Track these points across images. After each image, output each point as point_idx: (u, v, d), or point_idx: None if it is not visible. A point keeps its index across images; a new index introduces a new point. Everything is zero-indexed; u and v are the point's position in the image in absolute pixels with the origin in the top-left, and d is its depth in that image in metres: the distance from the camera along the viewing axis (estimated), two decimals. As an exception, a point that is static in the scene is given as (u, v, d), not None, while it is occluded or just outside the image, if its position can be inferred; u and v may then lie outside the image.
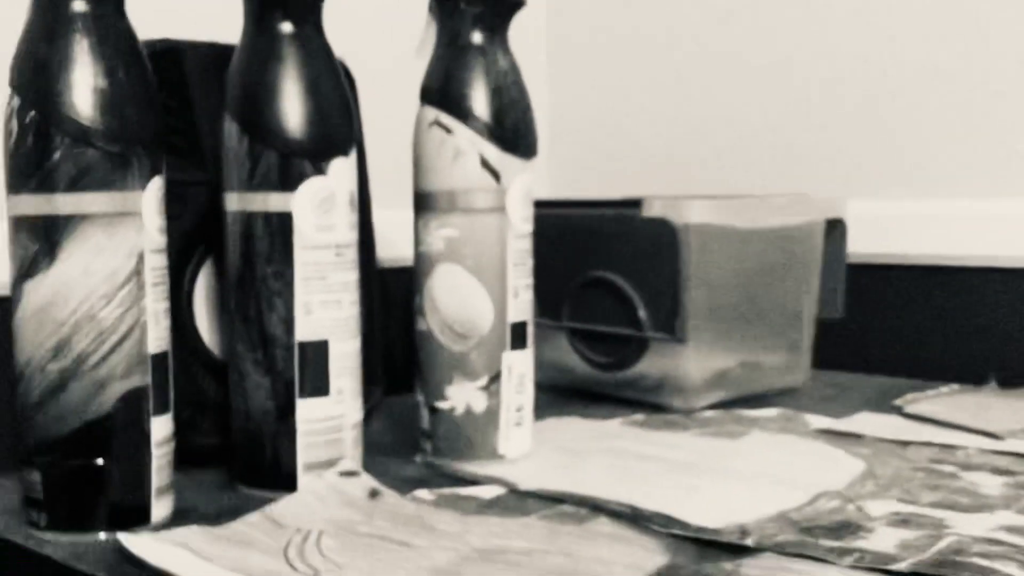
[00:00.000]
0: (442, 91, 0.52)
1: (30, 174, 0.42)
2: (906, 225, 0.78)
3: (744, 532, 0.42)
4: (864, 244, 0.79)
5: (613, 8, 0.93)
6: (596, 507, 0.46)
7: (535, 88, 0.97)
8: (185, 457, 0.53)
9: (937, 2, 0.77)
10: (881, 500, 0.46)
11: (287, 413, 0.48)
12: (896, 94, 0.79)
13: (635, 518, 0.44)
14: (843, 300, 0.73)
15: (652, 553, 0.40)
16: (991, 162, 0.75)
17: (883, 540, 0.41)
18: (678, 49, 0.89)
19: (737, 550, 0.40)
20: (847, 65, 0.81)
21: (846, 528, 0.42)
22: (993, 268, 0.75)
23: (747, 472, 0.51)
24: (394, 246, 0.81)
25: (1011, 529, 0.42)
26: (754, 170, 0.86)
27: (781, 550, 0.40)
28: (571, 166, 0.97)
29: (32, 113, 0.41)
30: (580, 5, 0.95)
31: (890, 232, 0.78)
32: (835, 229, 0.72)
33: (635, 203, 0.65)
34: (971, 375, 0.76)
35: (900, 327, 0.79)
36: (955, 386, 0.71)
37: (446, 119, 0.52)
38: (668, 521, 0.43)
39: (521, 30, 0.95)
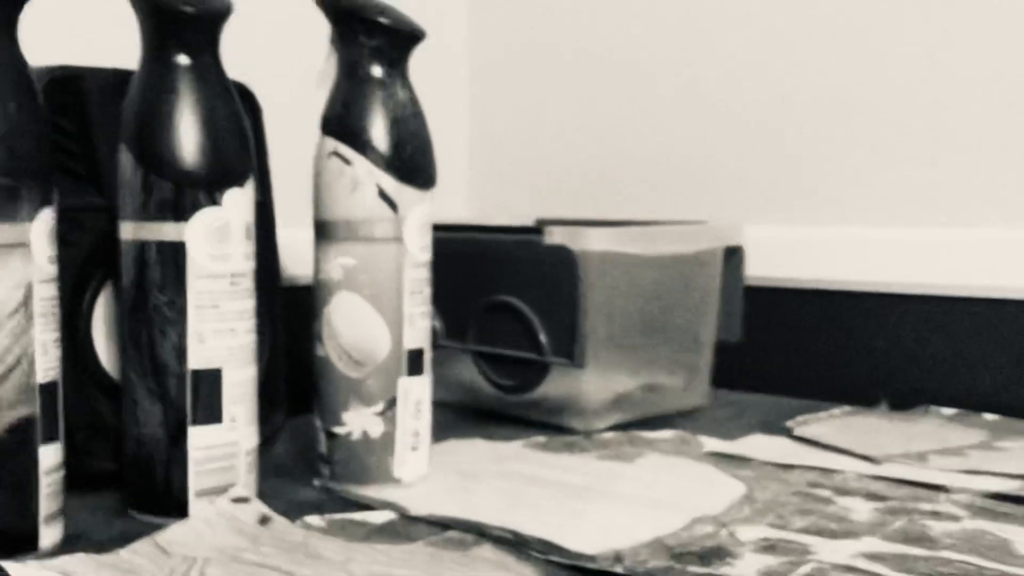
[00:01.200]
0: (341, 122, 0.53)
1: (-83, 204, 0.42)
2: (802, 250, 0.81)
3: (618, 558, 0.43)
4: (762, 268, 0.82)
5: (533, 35, 0.95)
6: (481, 533, 0.47)
7: (455, 112, 0.98)
8: (80, 481, 0.53)
9: (832, 34, 0.79)
10: (754, 525, 0.48)
11: (179, 440, 0.49)
12: (795, 125, 0.82)
13: (517, 544, 0.45)
14: (742, 324, 0.76)
15: (527, 580, 0.41)
16: (883, 191, 0.78)
17: (747, 567, 0.43)
18: (594, 77, 0.92)
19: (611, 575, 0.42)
20: (751, 96, 0.83)
21: (715, 554, 0.44)
22: (886, 293, 0.78)
23: (633, 496, 0.53)
24: (305, 263, 0.81)
25: (871, 556, 0.44)
26: (662, 194, 0.88)
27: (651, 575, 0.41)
28: (491, 188, 0.98)
29: (-81, 144, 0.41)
30: (500, 31, 0.97)
31: (787, 257, 0.81)
32: (733, 256, 0.74)
33: (537, 230, 0.66)
34: (864, 397, 0.79)
35: (797, 349, 0.82)
36: (847, 408, 0.74)
37: (345, 150, 0.53)
38: (547, 547, 0.45)
39: (442, 55, 0.96)
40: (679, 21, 0.87)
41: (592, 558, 0.43)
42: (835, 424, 0.69)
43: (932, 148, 0.76)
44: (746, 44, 0.83)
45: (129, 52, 0.57)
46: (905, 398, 0.77)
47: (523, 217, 0.91)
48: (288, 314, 0.70)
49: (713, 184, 0.85)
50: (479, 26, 0.98)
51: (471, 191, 0.99)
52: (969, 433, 0.66)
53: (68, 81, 0.54)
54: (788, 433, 0.67)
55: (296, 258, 0.80)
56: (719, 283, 0.74)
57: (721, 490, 0.54)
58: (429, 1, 0.94)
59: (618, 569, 0.42)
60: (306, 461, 0.61)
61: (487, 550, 0.45)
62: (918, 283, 0.77)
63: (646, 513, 0.50)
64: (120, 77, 0.55)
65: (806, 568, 0.42)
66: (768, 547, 0.45)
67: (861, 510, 0.51)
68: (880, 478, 0.56)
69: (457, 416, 0.72)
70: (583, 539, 0.46)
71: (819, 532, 0.47)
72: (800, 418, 0.70)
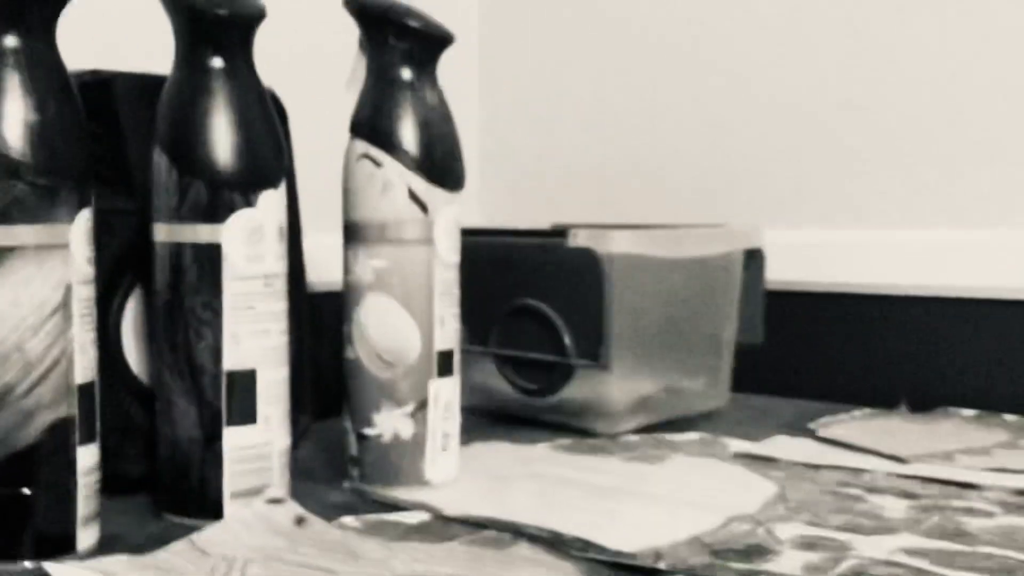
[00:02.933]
0: (371, 125, 0.54)
1: (-43, 206, 0.42)
2: (823, 253, 0.81)
3: (658, 556, 0.43)
4: (783, 272, 0.82)
5: (544, 40, 0.95)
6: (517, 532, 0.47)
7: (466, 118, 0.98)
8: (112, 484, 0.53)
9: (850, 37, 0.80)
10: (790, 523, 0.48)
11: (214, 441, 0.49)
12: (811, 129, 0.82)
13: (555, 543, 0.45)
14: (762, 326, 0.76)
15: (570, 577, 0.41)
16: (903, 193, 0.79)
17: (789, 562, 0.43)
18: (606, 82, 0.92)
19: (651, 573, 0.42)
20: (767, 100, 0.84)
21: (755, 551, 0.44)
22: (904, 296, 0.78)
23: (665, 496, 0.53)
24: (327, 270, 0.81)
25: (910, 551, 0.44)
26: (678, 198, 0.88)
27: (692, 573, 0.41)
28: (502, 194, 0.98)
29: (-40, 146, 0.42)
30: (512, 38, 0.97)
31: (808, 260, 0.81)
32: (753, 258, 0.75)
33: (561, 233, 0.66)
34: (883, 399, 0.79)
35: (817, 352, 0.82)
36: (867, 410, 0.74)
37: (375, 152, 0.53)
38: (586, 545, 0.45)
39: (453, 61, 0.96)
40: (692, 23, 0.87)
41: (632, 555, 0.43)
42: (858, 426, 0.69)
43: (950, 150, 0.77)
44: (763, 47, 0.84)
45: (160, 57, 0.57)
46: (924, 400, 0.77)
47: (536, 223, 0.91)
48: (311, 319, 0.70)
49: (729, 188, 0.86)
50: (490, 29, 0.98)
51: (482, 197, 1.00)
52: (991, 433, 0.66)
53: (99, 85, 0.54)
54: (812, 435, 0.67)
55: (317, 265, 0.80)
56: (739, 286, 0.74)
57: (753, 490, 0.54)
58: (440, 6, 0.95)
59: (660, 565, 0.42)
60: (332, 464, 0.61)
61: (525, 548, 0.45)
62: (936, 285, 0.77)
63: (681, 512, 0.50)
64: (150, 81, 0.55)
65: (849, 563, 0.42)
66: (808, 544, 0.45)
67: (895, 508, 0.51)
68: (909, 477, 0.57)
69: (480, 421, 0.72)
70: (620, 538, 0.46)
71: (856, 529, 0.47)
72: (822, 420, 0.70)
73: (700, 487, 0.55)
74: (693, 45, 0.87)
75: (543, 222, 0.94)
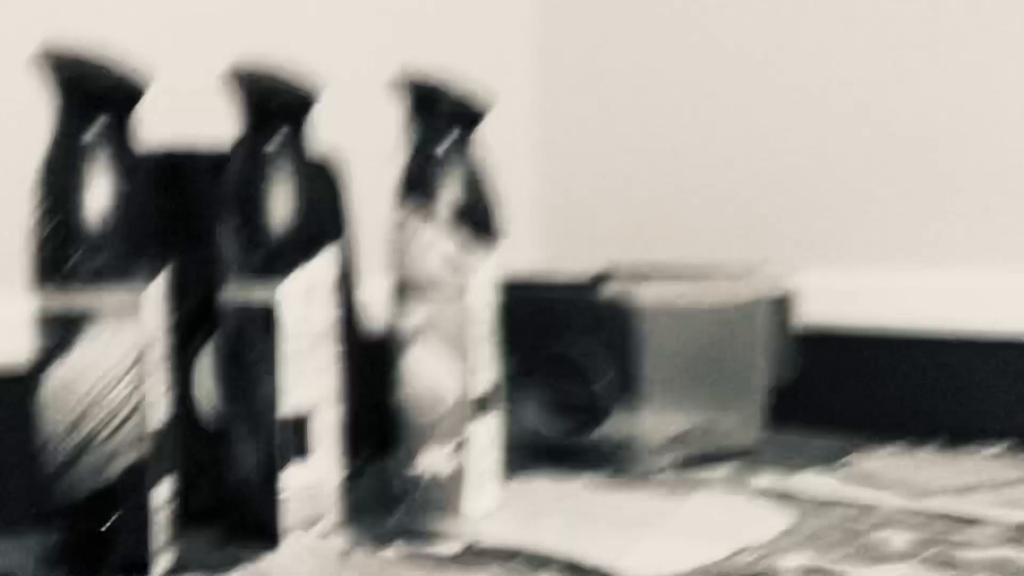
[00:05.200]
0: (414, 188, 0.60)
1: (52, 273, 0.49)
2: (856, 294, 0.84)
3: (665, 584, 0.48)
4: (820, 311, 0.85)
5: (603, 84, 1.01)
6: (545, 562, 0.52)
7: (526, 164, 1.04)
8: (184, 518, 0.59)
9: (888, 70, 0.84)
10: (794, 554, 0.52)
11: (272, 479, 0.55)
12: (849, 169, 0.86)
13: (578, 571, 0.50)
14: (795, 365, 0.80)
15: (581, 603, 0.46)
16: (942, 232, 0.82)
17: (785, 591, 0.47)
18: (664, 126, 0.96)
19: (657, 600, 0.46)
20: (808, 142, 0.88)
21: (755, 580, 0.48)
22: (940, 338, 0.81)
23: (683, 529, 0.57)
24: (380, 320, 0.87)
25: (902, 581, 0.48)
26: (728, 236, 0.92)
27: (693, 600, 0.46)
28: (561, 230, 1.03)
29: (55, 220, 0.48)
30: (572, 81, 1.03)
31: (841, 301, 0.85)
32: (783, 304, 0.78)
33: (592, 286, 0.71)
34: (918, 436, 0.82)
35: (852, 389, 0.85)
36: (900, 446, 0.77)
37: (417, 215, 0.59)
38: (602, 574, 0.49)
39: (510, 100, 1.02)
40: (741, 62, 0.91)
41: (641, 583, 0.48)
42: (885, 462, 0.72)
43: (985, 191, 0.80)
44: (810, 86, 0.88)
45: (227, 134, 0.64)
46: (957, 437, 0.80)
47: (594, 260, 0.95)
48: (364, 364, 0.76)
49: (774, 226, 0.89)
50: (547, 70, 1.03)
51: (541, 234, 1.04)
52: (1016, 469, 0.69)
53: (171, 163, 0.61)
54: (840, 471, 0.70)
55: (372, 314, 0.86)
56: (766, 329, 0.78)
57: (766, 524, 0.58)
58: (494, 49, 1.00)
59: (664, 592, 0.46)
60: (382, 501, 0.66)
61: (547, 577, 0.50)
62: (967, 327, 0.80)
63: (693, 544, 0.54)
64: (218, 158, 0.62)
65: (837, 592, 0.46)
66: (807, 572, 0.49)
67: (898, 541, 0.54)
68: (919, 513, 0.60)
69: (522, 457, 0.77)
70: (635, 567, 0.50)
71: (856, 560, 0.51)
72: (852, 456, 0.73)
73: (717, 521, 0.59)
74: (743, 84, 0.92)
75: (604, 258, 0.98)
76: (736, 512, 0.61)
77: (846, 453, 0.75)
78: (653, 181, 0.97)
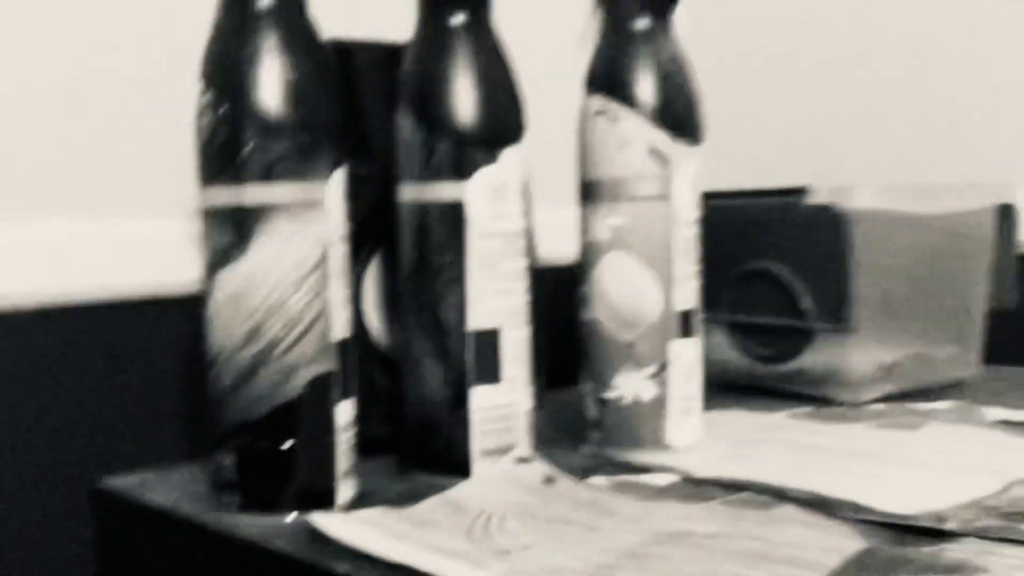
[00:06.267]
0: (608, 78, 0.52)
1: (223, 166, 0.43)
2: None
3: (941, 518, 0.40)
4: None
5: None
6: (779, 494, 0.45)
7: (701, 76, 0.95)
8: (358, 446, 0.54)
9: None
10: (1083, 489, 0.44)
11: (461, 400, 0.49)
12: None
13: (822, 505, 0.43)
14: (1015, 290, 0.70)
15: (847, 538, 0.39)
16: None
17: (1094, 527, 0.39)
18: (835, 32, 0.88)
19: (935, 536, 0.39)
20: (1015, 51, 0.78)
21: (1051, 515, 0.40)
22: None
23: (930, 461, 0.49)
24: (550, 244, 0.81)
25: None
26: (919, 158, 0.83)
27: (985, 535, 0.38)
28: (725, 157, 0.95)
29: (225, 107, 0.43)
30: (724, -1, 0.94)
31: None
32: (1006, 216, 0.69)
33: (799, 191, 0.63)
34: None
35: (1075, 318, 0.76)
36: None
37: (612, 107, 0.52)
38: (858, 508, 0.42)
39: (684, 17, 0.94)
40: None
41: (913, 517, 0.40)
42: None
43: None
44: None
45: (395, 25, 0.58)
46: None
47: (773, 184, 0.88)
48: (540, 289, 0.69)
49: (979, 144, 0.80)
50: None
51: (717, 158, 0.96)
52: None
53: (339, 55, 0.55)
54: (1082, 403, 0.61)
55: (542, 239, 0.80)
56: (991, 245, 0.69)
57: (1030, 455, 0.50)
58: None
59: (948, 527, 0.39)
60: (568, 430, 0.60)
61: (790, 510, 0.43)
62: None
63: (953, 477, 0.46)
64: (388, 51, 0.56)
65: None
66: (1109, 509, 0.41)
67: None
68: None
69: (712, 391, 0.70)
70: (892, 501, 0.43)
71: None
72: (1091, 388, 0.64)
73: (966, 452, 0.51)
74: (925, -5, 0.82)
75: (772, 183, 0.90)
76: (982, 443, 0.52)
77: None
78: (838, 99, 0.88)
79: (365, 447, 0.55)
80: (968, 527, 0.39)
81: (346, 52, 0.55)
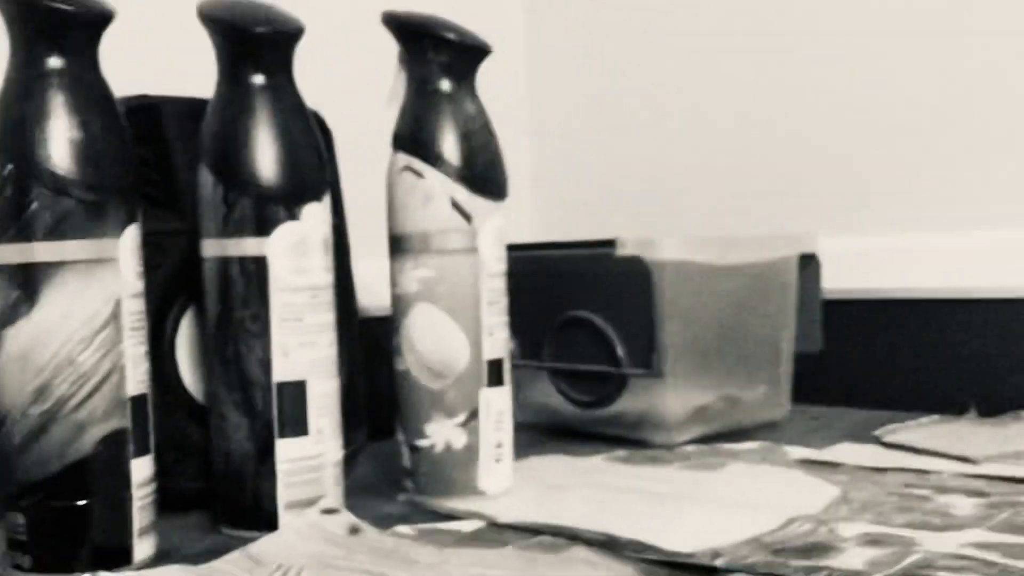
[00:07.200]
0: (412, 137, 0.54)
1: (9, 224, 0.43)
2: (879, 260, 0.79)
3: (716, 555, 0.42)
4: (839, 279, 0.80)
5: (593, 53, 0.95)
6: (572, 536, 0.46)
7: (516, 133, 0.99)
8: (169, 501, 0.53)
9: (898, 42, 0.79)
10: (853, 522, 0.47)
11: (267, 453, 0.49)
12: (863, 133, 0.81)
13: (610, 545, 0.44)
14: (820, 334, 0.74)
15: (624, 577, 0.40)
16: (959, 195, 0.77)
17: (852, 558, 0.41)
18: (656, 95, 0.91)
19: (710, 573, 0.41)
20: (817, 108, 0.83)
21: (816, 549, 0.43)
22: (967, 299, 0.76)
23: (724, 500, 0.52)
24: (377, 295, 0.82)
25: (980, 545, 0.42)
26: (729, 211, 0.87)
27: (752, 570, 0.40)
28: (554, 208, 0.98)
29: (10, 166, 0.43)
30: (560, 51, 0.97)
31: (863, 267, 0.80)
32: (809, 264, 0.73)
33: (609, 243, 0.66)
34: (950, 405, 0.77)
35: (878, 360, 0.80)
36: (934, 416, 0.72)
37: (417, 164, 0.54)
38: (642, 547, 0.44)
39: (500, 71, 0.97)
40: (746, 31, 0.86)
41: (690, 555, 0.42)
42: (925, 431, 0.67)
43: (1005, 150, 0.75)
44: (810, 56, 0.83)
45: (203, 80, 0.58)
46: (993, 404, 0.75)
47: (589, 235, 0.91)
48: (365, 342, 0.70)
49: (783, 197, 0.85)
50: (537, 39, 0.98)
51: (535, 211, 0.99)
52: (1066, 433, 0.64)
53: (146, 109, 0.55)
54: (876, 441, 0.65)
55: (370, 290, 0.81)
56: (795, 292, 0.72)
57: (815, 492, 0.52)
58: (484, 15, 0.95)
59: (718, 564, 0.41)
60: (388, 479, 0.61)
61: (581, 551, 0.44)
62: (999, 287, 0.75)
63: (739, 515, 0.49)
64: (194, 105, 0.56)
65: (914, 558, 0.41)
66: (872, 541, 0.44)
67: (962, 506, 0.49)
68: (979, 476, 0.55)
69: (535, 435, 0.72)
70: (678, 540, 0.45)
71: (922, 526, 0.46)
72: (888, 427, 0.68)
73: (759, 491, 0.53)
74: (743, 57, 0.86)
75: (596, 235, 0.93)
76: (777, 482, 0.55)
77: (877, 425, 0.70)
78: (650, 153, 0.91)
79: (179, 502, 0.55)
80: (737, 563, 0.41)
81: (154, 107, 0.55)
